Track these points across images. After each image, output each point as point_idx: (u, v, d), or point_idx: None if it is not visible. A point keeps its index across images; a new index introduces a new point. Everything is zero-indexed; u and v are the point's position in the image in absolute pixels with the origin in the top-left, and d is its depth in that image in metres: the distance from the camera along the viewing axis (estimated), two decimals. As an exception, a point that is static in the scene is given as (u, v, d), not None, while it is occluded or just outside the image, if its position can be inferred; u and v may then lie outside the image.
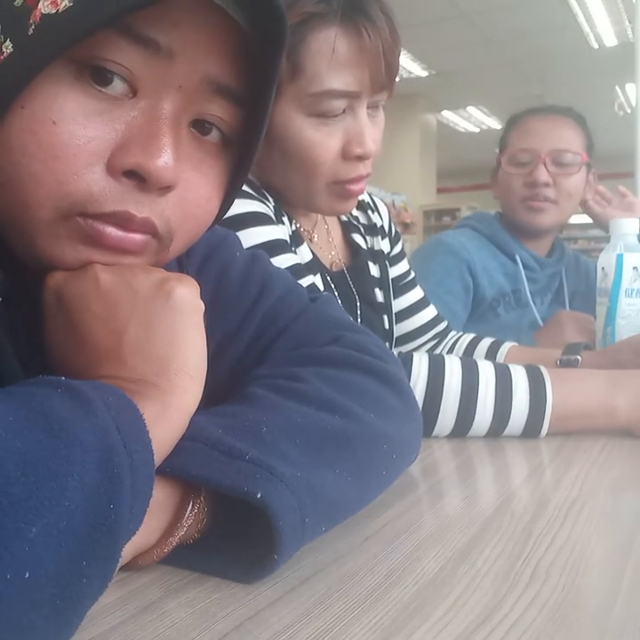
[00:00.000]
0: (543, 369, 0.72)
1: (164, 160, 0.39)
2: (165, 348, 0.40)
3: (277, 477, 0.36)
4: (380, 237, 1.01)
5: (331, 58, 0.71)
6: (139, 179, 0.39)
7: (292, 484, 0.37)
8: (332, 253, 0.93)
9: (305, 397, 0.45)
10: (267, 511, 0.35)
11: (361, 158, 0.76)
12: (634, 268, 1.02)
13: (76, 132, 0.38)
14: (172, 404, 0.38)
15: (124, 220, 0.40)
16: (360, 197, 1.02)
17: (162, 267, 0.45)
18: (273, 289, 0.56)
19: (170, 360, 0.40)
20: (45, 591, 0.26)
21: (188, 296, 0.42)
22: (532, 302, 1.32)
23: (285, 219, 0.82)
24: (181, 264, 0.52)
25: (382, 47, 0.72)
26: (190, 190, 0.43)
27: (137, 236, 0.41)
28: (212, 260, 0.56)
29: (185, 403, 0.39)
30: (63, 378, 0.32)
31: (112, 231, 0.40)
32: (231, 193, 0.48)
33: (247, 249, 0.71)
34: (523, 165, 1.28)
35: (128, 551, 0.35)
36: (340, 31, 0.70)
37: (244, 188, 0.76)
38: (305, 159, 0.75)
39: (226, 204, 0.48)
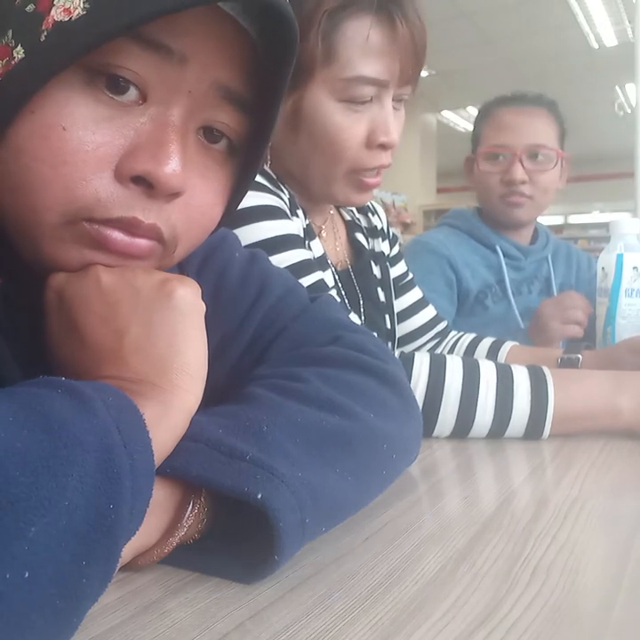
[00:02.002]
0: (546, 370, 0.72)
1: (172, 167, 0.39)
2: (166, 349, 0.40)
3: (278, 478, 0.36)
4: (380, 239, 1.01)
5: (364, 45, 0.72)
6: (146, 185, 0.39)
7: (292, 485, 0.37)
8: (338, 250, 0.93)
9: (305, 397, 0.45)
10: (267, 512, 0.35)
11: (384, 147, 0.77)
12: (634, 267, 1.02)
13: (86, 138, 0.38)
14: (172, 404, 0.38)
15: (131, 226, 0.40)
16: None
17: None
18: (272, 289, 0.56)
19: (171, 360, 0.40)
20: (45, 591, 0.26)
21: (189, 297, 0.42)
22: (511, 294, 1.33)
23: (300, 211, 0.82)
24: (181, 265, 0.52)
25: (414, 39, 0.73)
26: (195, 197, 0.43)
27: (143, 242, 0.41)
28: (211, 261, 0.56)
29: (186, 403, 0.39)
30: (64, 378, 0.32)
31: (118, 236, 0.40)
32: (235, 199, 0.48)
33: (255, 243, 0.71)
34: (498, 162, 1.29)
35: (128, 551, 0.35)
36: (374, 20, 0.72)
37: (259, 179, 0.76)
38: (331, 143, 0.76)
39: (229, 209, 0.48)
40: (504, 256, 1.34)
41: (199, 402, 0.41)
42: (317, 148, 0.77)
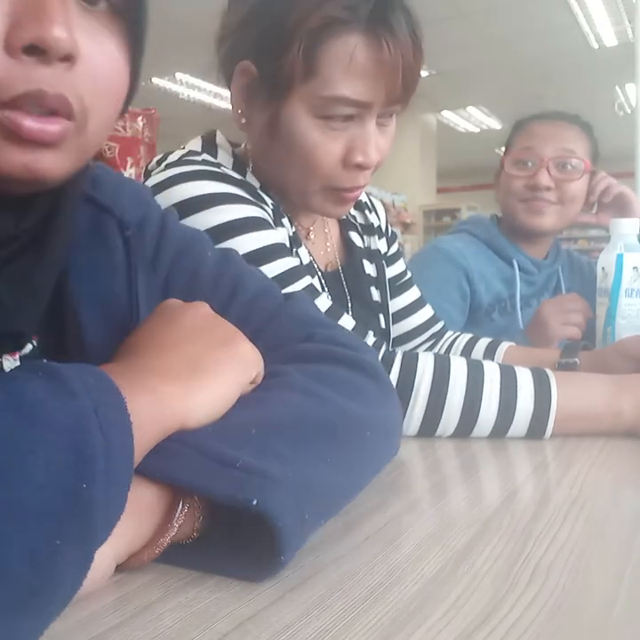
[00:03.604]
0: (549, 371, 0.72)
1: (58, 28, 0.38)
2: (202, 372, 0.42)
3: (271, 480, 0.36)
4: (376, 237, 1.00)
5: (347, 65, 0.70)
6: (39, 52, 0.38)
7: (286, 484, 0.37)
8: (328, 251, 0.93)
9: (288, 390, 0.46)
10: (264, 516, 0.35)
11: (361, 167, 0.76)
12: (634, 267, 1.02)
13: None
14: (170, 405, 0.38)
15: (38, 99, 0.39)
16: None
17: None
18: (245, 289, 0.57)
19: (195, 376, 0.41)
20: (17, 569, 0.26)
21: (253, 354, 0.46)
22: (519, 310, 1.32)
23: (285, 220, 0.82)
24: (131, 250, 0.54)
25: (402, 63, 0.70)
26: (94, 61, 0.42)
27: (55, 127, 0.40)
28: (183, 260, 0.57)
29: (183, 407, 0.39)
30: (47, 361, 0.33)
31: (30, 123, 0.39)
32: (135, 67, 0.47)
33: (242, 256, 0.70)
34: (525, 168, 1.28)
35: (121, 550, 0.35)
36: (360, 40, 0.69)
37: (240, 192, 0.75)
38: (305, 159, 0.75)
39: (134, 77, 0.47)
40: (519, 270, 1.33)
41: (192, 425, 0.40)
42: (293, 161, 0.76)
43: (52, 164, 0.41)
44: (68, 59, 0.40)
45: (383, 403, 0.52)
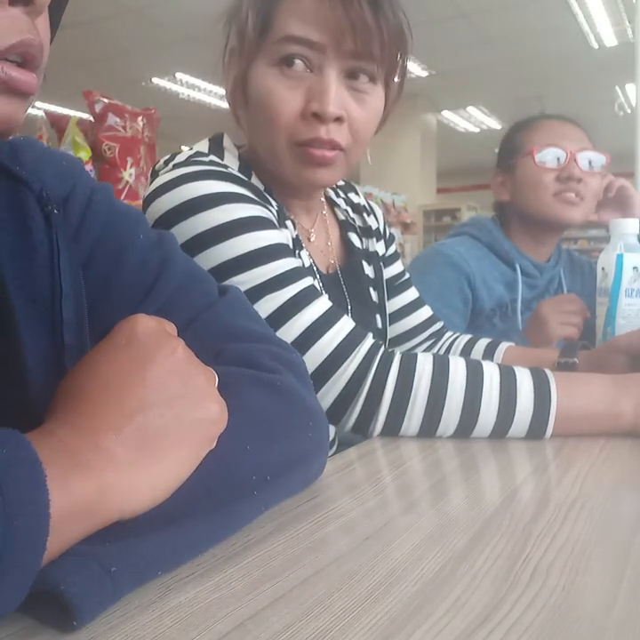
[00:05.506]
0: (548, 371, 0.72)
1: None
2: (161, 452, 0.38)
3: (72, 554, 0.33)
4: (374, 239, 1.01)
5: (297, 7, 0.73)
6: (25, 2, 0.38)
7: (86, 553, 0.33)
8: (329, 251, 0.93)
9: None
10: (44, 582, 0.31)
11: (319, 117, 0.74)
12: (634, 267, 1.02)
13: None
14: (110, 494, 0.35)
15: (29, 46, 0.39)
16: (356, 201, 1.03)
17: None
18: (171, 276, 0.53)
19: (151, 463, 0.37)
20: None
21: (220, 424, 0.42)
22: (520, 314, 1.31)
23: (289, 222, 0.82)
24: (53, 228, 0.47)
25: (360, 6, 0.70)
26: (44, 16, 0.42)
27: (33, 77, 0.40)
28: (107, 243, 0.52)
29: (123, 502, 0.35)
30: None
31: (18, 76, 0.39)
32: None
33: (245, 254, 0.69)
34: (552, 161, 1.27)
35: None
36: None
37: (246, 192, 0.75)
38: (264, 110, 0.76)
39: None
40: (521, 273, 1.32)
41: (128, 516, 0.36)
42: (257, 118, 0.78)
43: None
44: (42, 9, 0.40)
45: (292, 430, 0.48)
